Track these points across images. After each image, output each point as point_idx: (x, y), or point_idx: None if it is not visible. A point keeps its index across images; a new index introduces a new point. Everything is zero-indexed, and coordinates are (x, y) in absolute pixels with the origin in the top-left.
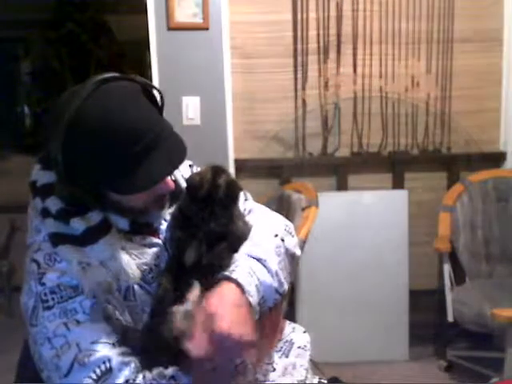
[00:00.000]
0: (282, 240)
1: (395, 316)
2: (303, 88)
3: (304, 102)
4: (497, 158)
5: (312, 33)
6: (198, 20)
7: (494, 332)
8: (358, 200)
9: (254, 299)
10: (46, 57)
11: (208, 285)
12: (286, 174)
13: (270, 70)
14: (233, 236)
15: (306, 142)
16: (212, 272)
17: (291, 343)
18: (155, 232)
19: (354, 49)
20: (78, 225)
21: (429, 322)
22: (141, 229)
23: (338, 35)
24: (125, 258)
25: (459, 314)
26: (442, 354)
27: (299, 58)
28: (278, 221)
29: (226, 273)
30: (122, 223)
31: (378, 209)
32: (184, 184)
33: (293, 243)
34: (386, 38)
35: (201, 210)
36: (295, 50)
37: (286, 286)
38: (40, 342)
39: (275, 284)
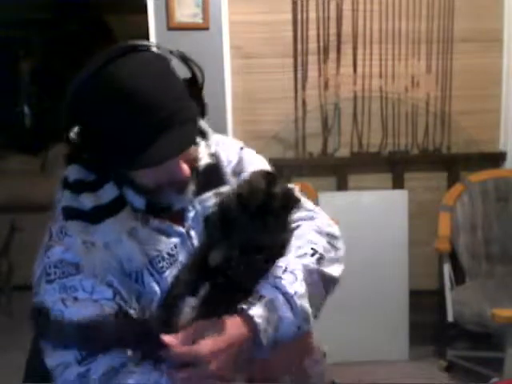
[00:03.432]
0: (320, 258)
1: (395, 316)
2: (303, 88)
3: (304, 102)
4: (497, 158)
5: (312, 33)
6: (198, 20)
7: (494, 332)
8: (358, 200)
9: (265, 340)
10: (46, 57)
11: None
12: (286, 174)
13: (270, 70)
14: (274, 247)
15: (306, 142)
16: (234, 280)
17: None
18: (178, 218)
19: (354, 49)
20: (87, 200)
21: (429, 322)
22: (158, 211)
23: (338, 35)
24: (130, 244)
25: (459, 314)
26: (442, 354)
27: (299, 58)
28: (322, 230)
29: (245, 306)
30: (138, 202)
31: (378, 209)
32: (227, 165)
33: (332, 259)
34: (386, 37)
35: (252, 220)
36: (295, 49)
37: (311, 322)
38: None
39: (298, 321)
